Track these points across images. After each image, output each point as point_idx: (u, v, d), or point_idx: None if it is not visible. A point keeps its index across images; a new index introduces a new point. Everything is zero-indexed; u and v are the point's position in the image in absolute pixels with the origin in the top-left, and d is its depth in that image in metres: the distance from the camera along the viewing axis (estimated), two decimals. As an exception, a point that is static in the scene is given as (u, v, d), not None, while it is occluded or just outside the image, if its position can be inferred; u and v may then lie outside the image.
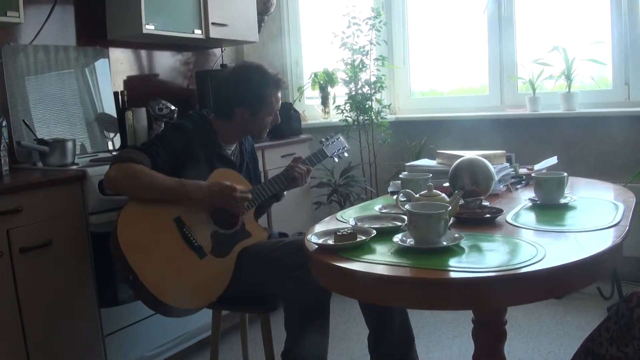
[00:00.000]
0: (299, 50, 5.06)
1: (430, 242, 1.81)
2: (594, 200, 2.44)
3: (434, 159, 3.04)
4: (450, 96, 5.08)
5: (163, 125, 3.85)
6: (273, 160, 4.01)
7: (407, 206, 1.90)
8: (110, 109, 3.81)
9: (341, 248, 1.87)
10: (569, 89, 4.26)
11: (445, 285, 1.61)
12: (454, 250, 1.80)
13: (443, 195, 2.12)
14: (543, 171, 2.91)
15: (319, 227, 2.22)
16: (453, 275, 1.63)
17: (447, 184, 2.52)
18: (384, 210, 2.39)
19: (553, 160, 3.04)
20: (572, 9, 4.35)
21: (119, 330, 2.99)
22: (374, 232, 1.97)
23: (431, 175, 2.58)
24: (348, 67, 4.60)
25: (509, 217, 2.19)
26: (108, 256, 2.50)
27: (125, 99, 3.91)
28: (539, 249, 1.74)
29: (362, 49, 4.56)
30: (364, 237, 1.93)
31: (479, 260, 1.73)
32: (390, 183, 2.89)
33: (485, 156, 2.59)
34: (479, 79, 4.92)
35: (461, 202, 2.19)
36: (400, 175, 2.64)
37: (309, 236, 2.00)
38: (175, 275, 2.37)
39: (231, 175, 2.63)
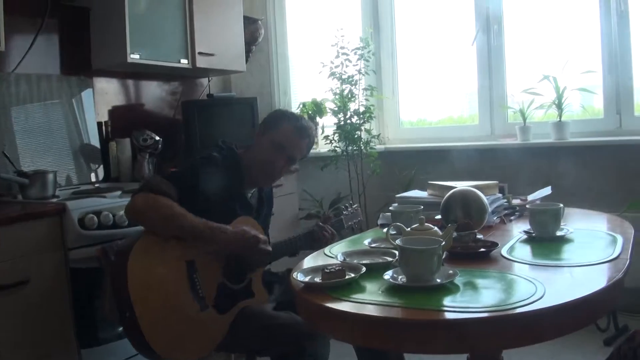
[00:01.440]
0: (287, 80, 5.02)
1: (423, 279, 1.72)
2: (591, 232, 2.36)
3: (425, 190, 2.96)
4: (440, 126, 5.03)
5: (147, 156, 3.78)
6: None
7: (398, 241, 1.81)
8: (94, 139, 3.75)
9: (329, 286, 1.78)
10: (560, 118, 4.22)
11: (441, 327, 1.52)
12: (449, 288, 1.70)
13: (435, 228, 2.03)
14: (537, 202, 2.84)
15: (307, 263, 2.13)
16: (448, 316, 1.53)
17: (439, 217, 2.44)
18: (373, 245, 2.30)
19: (547, 190, 2.97)
20: (562, 38, 4.32)
21: None
22: (364, 268, 1.88)
23: (422, 207, 2.49)
24: (337, 97, 4.55)
25: (504, 251, 2.11)
26: (88, 293, 2.41)
27: (109, 130, 3.87)
28: (538, 285, 1.65)
29: (350, 79, 4.52)
30: (352, 275, 1.84)
31: (475, 298, 1.63)
32: (380, 215, 2.81)
33: (477, 187, 2.51)
34: (468, 109, 4.87)
35: (454, 235, 2.11)
36: (390, 208, 2.55)
37: (294, 273, 1.90)
38: (174, 323, 2.22)
39: (252, 227, 2.50)
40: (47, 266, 2.71)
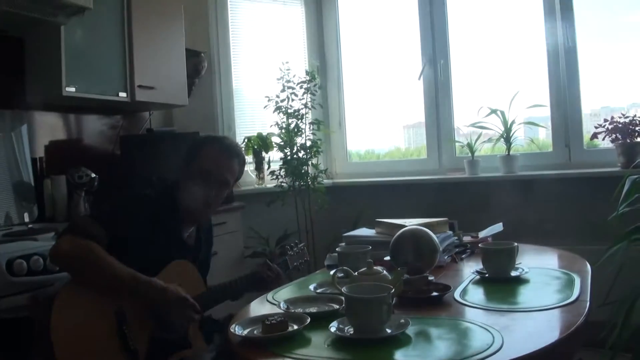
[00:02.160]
0: (232, 114, 4.89)
1: (371, 330, 1.59)
2: (547, 271, 2.27)
3: (372, 227, 2.85)
4: (388, 160, 4.97)
5: (83, 194, 3.60)
6: (203, 231, 3.76)
7: (344, 289, 1.68)
8: (28, 177, 3.56)
9: (270, 341, 1.63)
10: (509, 152, 4.22)
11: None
12: (400, 339, 1.57)
13: (384, 272, 1.91)
14: (489, 239, 2.77)
15: (249, 311, 2.00)
16: None
17: (388, 257, 2.32)
18: (319, 290, 2.17)
19: (498, 227, 2.89)
20: (510, 72, 4.33)
21: None
22: (308, 319, 1.73)
23: (370, 247, 2.38)
24: (283, 131, 4.45)
25: (456, 294, 2.00)
26: (17, 347, 2.20)
27: (44, 166, 3.67)
28: (495, 334, 1.53)
29: (297, 113, 4.43)
30: (295, 326, 1.70)
31: (428, 352, 1.51)
32: (328, 256, 2.68)
33: (427, 225, 2.41)
34: (415, 141, 4.84)
35: (404, 277, 2.00)
36: (337, 249, 2.43)
37: (232, 326, 1.75)
38: None
39: (187, 273, 2.36)
40: None
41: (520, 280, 2.15)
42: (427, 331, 1.65)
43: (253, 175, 4.79)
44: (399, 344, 1.55)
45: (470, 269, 2.36)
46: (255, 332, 1.72)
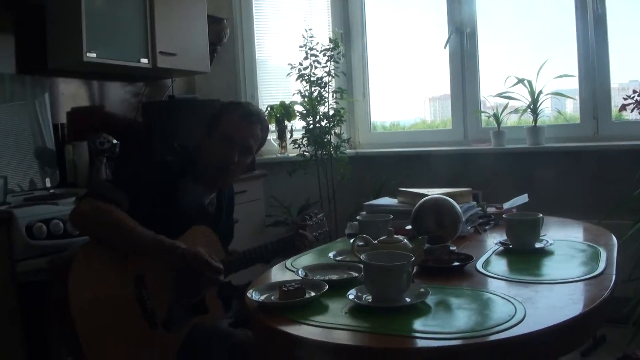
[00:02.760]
0: (254, 82, 4.85)
1: (390, 299, 1.55)
2: (571, 244, 2.21)
3: (395, 197, 2.80)
4: (413, 130, 4.90)
5: (105, 161, 3.59)
6: (224, 199, 3.75)
7: (363, 256, 1.63)
8: (49, 143, 3.56)
9: (286, 307, 1.60)
10: (535, 123, 4.13)
11: (412, 356, 1.34)
12: (419, 308, 1.54)
13: (405, 241, 1.86)
14: (513, 211, 2.70)
15: (266, 278, 1.97)
16: (420, 343, 1.35)
17: (409, 227, 2.28)
18: (339, 258, 2.13)
19: (523, 198, 2.83)
20: (538, 40, 4.22)
21: None
22: (326, 286, 1.70)
23: (392, 216, 2.33)
24: (305, 99, 4.40)
25: (479, 265, 1.95)
26: (39, 310, 2.21)
27: (66, 132, 3.67)
28: (517, 306, 1.49)
29: (319, 81, 4.37)
30: (313, 293, 1.66)
31: (448, 322, 1.46)
32: (348, 224, 2.65)
33: (450, 195, 2.35)
34: (441, 113, 4.75)
35: (425, 246, 1.95)
36: (357, 217, 2.39)
37: (250, 291, 1.72)
38: (121, 345, 2.03)
39: (206, 238, 2.33)
40: None
41: (544, 252, 2.09)
42: (447, 301, 1.61)
43: (275, 144, 4.77)
44: (418, 313, 1.51)
45: (494, 240, 2.31)
46: (272, 298, 1.69)
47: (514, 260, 2.06)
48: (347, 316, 1.53)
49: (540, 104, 4.11)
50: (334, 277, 1.88)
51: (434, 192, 2.43)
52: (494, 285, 1.75)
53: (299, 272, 1.93)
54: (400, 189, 2.74)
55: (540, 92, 4.10)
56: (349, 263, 2.00)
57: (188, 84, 4.70)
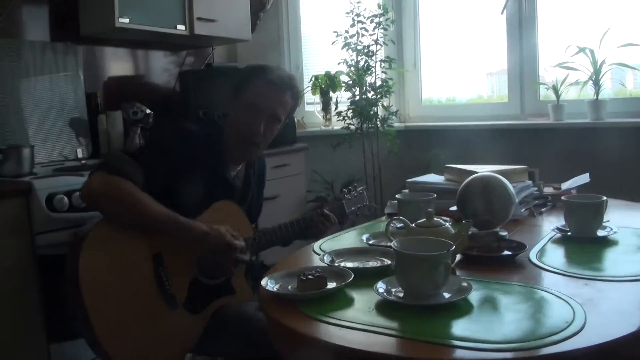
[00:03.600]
0: (299, 51, 4.67)
1: (425, 294, 1.33)
2: (639, 232, 1.94)
3: (442, 174, 2.57)
4: (466, 104, 4.63)
5: (139, 131, 3.44)
6: (263, 173, 3.59)
7: (393, 242, 1.40)
8: (82, 112, 3.46)
9: (303, 299, 1.39)
10: (597, 96, 3.84)
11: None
12: (459, 306, 1.31)
13: (447, 225, 1.63)
14: (573, 192, 2.45)
15: (289, 262, 1.77)
16: (458, 354, 1.12)
17: (454, 208, 2.05)
18: (372, 242, 1.91)
19: (584, 178, 2.57)
20: (601, 6, 3.89)
21: None
22: (351, 275, 1.49)
23: (435, 195, 2.10)
24: (351, 69, 4.17)
25: (532, 255, 1.70)
26: (58, 282, 2.07)
27: (99, 102, 3.55)
28: (576, 309, 1.25)
29: (366, 50, 4.13)
30: (334, 284, 1.45)
31: (493, 327, 1.22)
32: (388, 203, 2.43)
33: (503, 172, 2.10)
34: (498, 89, 4.46)
35: (471, 231, 1.72)
36: (396, 196, 2.16)
37: (264, 280, 1.52)
38: (136, 327, 1.87)
39: (232, 212, 2.15)
40: (11, 252, 2.44)
41: (607, 242, 1.84)
42: (493, 298, 1.38)
43: (319, 116, 4.57)
44: (458, 313, 1.29)
45: (550, 225, 2.06)
46: (289, 287, 1.49)
47: (572, 250, 1.81)
48: (372, 313, 1.32)
49: (602, 75, 3.82)
50: (363, 264, 1.66)
51: (484, 169, 2.18)
52: (550, 280, 1.51)
53: (324, 257, 1.72)
54: (447, 165, 2.50)
55: (603, 62, 3.79)
56: (382, 248, 1.77)
57: (229, 53, 4.55)
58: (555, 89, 3.95)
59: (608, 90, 3.99)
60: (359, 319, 1.28)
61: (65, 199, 2.53)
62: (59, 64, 3.34)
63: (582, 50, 3.84)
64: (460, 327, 1.23)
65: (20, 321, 2.45)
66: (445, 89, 4.73)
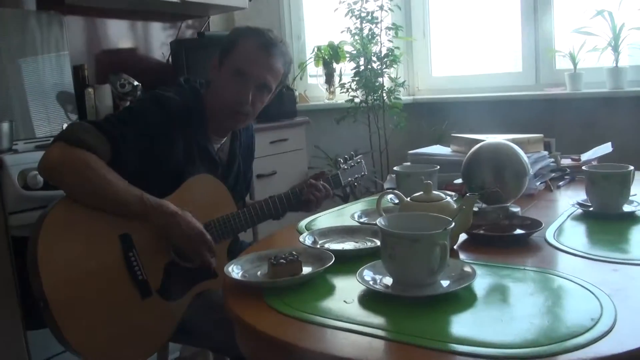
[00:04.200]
0: (300, 20, 4.42)
1: (417, 283, 1.09)
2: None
3: (449, 145, 2.35)
4: (479, 74, 4.37)
5: (128, 105, 3.25)
6: (260, 147, 3.35)
7: (379, 220, 1.17)
8: (68, 85, 3.25)
9: (271, 288, 1.16)
10: (617, 63, 3.60)
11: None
12: (460, 298, 1.07)
13: (448, 199, 1.39)
14: (593, 162, 2.20)
15: (265, 244, 1.56)
16: None
17: (459, 180, 1.82)
18: (364, 219, 1.68)
19: (607, 147, 2.35)
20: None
21: (51, 358, 2.44)
22: (332, 258, 1.26)
23: (438, 167, 1.86)
24: (356, 37, 3.92)
25: (549, 234, 1.47)
26: None
27: (86, 74, 3.34)
28: (604, 303, 1.01)
29: (370, 16, 3.87)
30: (310, 269, 1.22)
31: (502, 326, 0.98)
32: (388, 177, 2.20)
33: (515, 141, 1.86)
34: (511, 60, 4.20)
35: (476, 208, 1.49)
36: (394, 168, 1.92)
37: (229, 265, 1.29)
38: (105, 319, 1.69)
39: (211, 187, 1.96)
40: None
41: (635, 219, 1.61)
42: (502, 287, 1.14)
43: (323, 89, 4.33)
44: (458, 307, 1.05)
45: (569, 200, 1.83)
46: (259, 273, 1.27)
47: (595, 228, 1.58)
48: (353, 306, 1.08)
49: (622, 40, 3.58)
50: (350, 246, 1.43)
51: (494, 138, 1.94)
52: (570, 264, 1.27)
53: (305, 238, 1.49)
54: (454, 134, 2.27)
55: (623, 25, 3.55)
56: (373, 227, 1.53)
57: (227, 23, 4.33)
58: (572, 57, 3.72)
59: (630, 57, 3.73)
60: (334, 314, 1.05)
61: (39, 175, 2.34)
62: (43, 34, 3.15)
63: (599, 13, 3.60)
64: (461, 326, 1.00)
65: None
66: (457, 63, 4.47)
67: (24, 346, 2.35)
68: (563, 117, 3.73)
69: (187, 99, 1.95)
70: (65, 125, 2.59)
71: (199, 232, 1.77)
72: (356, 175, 2.26)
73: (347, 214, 1.85)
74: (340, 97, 4.19)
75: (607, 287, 1.09)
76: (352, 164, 2.25)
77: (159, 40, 3.83)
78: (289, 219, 2.16)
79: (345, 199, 3.75)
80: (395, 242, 1.08)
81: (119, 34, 3.63)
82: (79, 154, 1.70)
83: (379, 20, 3.91)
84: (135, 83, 3.30)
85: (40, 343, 2.39)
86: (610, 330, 0.92)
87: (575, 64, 3.72)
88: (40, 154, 2.33)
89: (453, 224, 1.11)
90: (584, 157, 2.35)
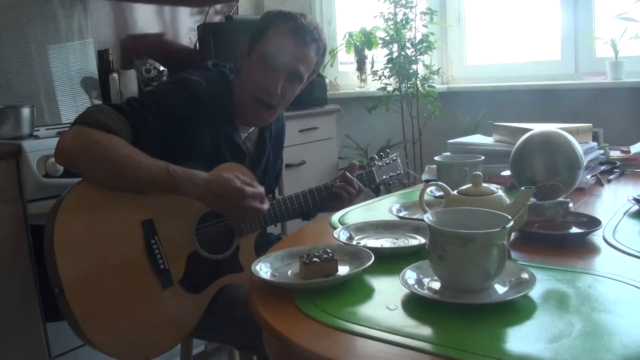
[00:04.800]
0: (331, 5, 4.35)
1: (470, 288, 0.97)
2: None
3: (490, 136, 2.24)
4: (516, 63, 4.24)
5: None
6: (289, 136, 3.28)
7: (427, 216, 1.05)
8: (92, 70, 3.25)
9: (303, 290, 1.05)
10: (660, 52, 3.47)
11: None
12: (518, 307, 0.95)
13: (500, 192, 1.26)
14: (643, 155, 2.09)
15: (299, 237, 1.47)
16: None
17: (507, 172, 1.70)
18: (403, 213, 1.56)
19: (657, 140, 2.21)
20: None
21: (71, 351, 2.42)
22: (371, 258, 1.15)
23: (483, 157, 1.74)
24: (389, 23, 3.81)
25: (607, 233, 1.34)
26: None
27: (111, 59, 3.32)
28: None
29: (405, 1, 3.76)
30: (349, 269, 1.11)
31: (567, 341, 0.84)
32: (426, 167, 2.09)
33: (565, 130, 1.73)
34: (549, 48, 4.06)
35: (531, 201, 1.36)
36: (435, 158, 1.81)
37: (257, 263, 1.18)
38: (122, 308, 1.62)
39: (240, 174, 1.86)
40: (0, 222, 2.27)
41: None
42: (561, 295, 1.01)
43: (354, 77, 4.25)
44: (516, 318, 0.93)
45: (622, 195, 1.72)
46: (289, 273, 1.17)
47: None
48: (396, 313, 0.96)
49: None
50: (389, 243, 1.32)
51: (543, 127, 1.82)
52: (632, 267, 1.14)
53: (340, 233, 1.38)
54: (497, 123, 2.15)
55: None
56: (415, 222, 1.43)
57: (256, 7, 4.31)
58: (613, 44, 3.58)
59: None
60: (377, 323, 0.94)
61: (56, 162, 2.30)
62: (67, 19, 3.13)
63: (643, -3, 3.46)
64: (521, 341, 0.88)
65: (13, 297, 2.29)
66: (492, 50, 4.34)
67: (42, 338, 2.34)
68: (604, 107, 3.59)
69: (214, 84, 1.86)
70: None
71: (234, 188, 1.66)
72: (391, 174, 2.18)
73: (382, 207, 1.74)
74: (372, 85, 4.10)
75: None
76: (388, 161, 2.17)
77: (186, 25, 3.81)
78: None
79: (377, 193, 3.66)
80: (446, 242, 0.96)
81: (145, 18, 3.60)
82: (96, 135, 1.63)
83: (414, 4, 3.80)
84: (161, 68, 3.29)
85: (61, 335, 2.36)
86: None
87: (616, 52, 3.58)
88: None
89: (512, 222, 0.99)
90: (634, 149, 2.23)
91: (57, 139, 2.24)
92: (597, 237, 1.33)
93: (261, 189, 1.72)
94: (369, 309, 1.01)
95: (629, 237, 1.34)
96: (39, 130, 2.67)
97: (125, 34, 3.48)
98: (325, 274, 1.11)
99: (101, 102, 3.18)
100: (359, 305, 1.02)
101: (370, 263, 1.13)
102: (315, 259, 1.11)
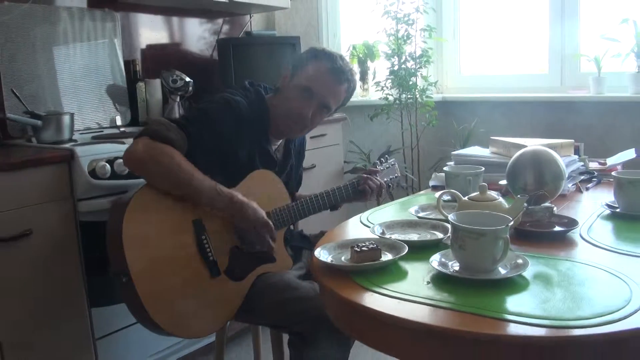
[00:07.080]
0: (337, 20, 4.58)
1: (482, 269, 1.33)
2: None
3: (486, 146, 2.54)
4: (505, 75, 4.54)
5: (178, 99, 3.44)
6: (301, 142, 3.56)
7: (451, 216, 1.40)
8: (120, 80, 3.44)
9: (358, 270, 1.39)
10: (639, 69, 3.71)
11: (507, 346, 1.11)
12: (515, 283, 1.31)
13: (500, 199, 1.62)
14: (618, 167, 2.41)
15: (337, 233, 1.77)
16: (517, 329, 1.11)
17: (502, 182, 2.03)
18: (421, 214, 1.90)
19: (630, 153, 2.52)
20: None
21: (113, 334, 2.64)
22: (405, 247, 1.49)
23: (483, 168, 2.08)
24: (391, 38, 4.09)
25: (583, 231, 1.69)
26: (99, 248, 2.10)
27: (138, 69, 3.53)
28: (634, 289, 1.24)
29: (407, 18, 4.04)
30: (390, 255, 1.46)
31: (552, 304, 1.20)
32: (433, 175, 2.41)
33: (550, 146, 2.07)
34: (537, 63, 4.36)
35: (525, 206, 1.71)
36: (444, 168, 2.14)
37: (317, 250, 1.52)
38: (179, 292, 1.90)
39: (269, 181, 2.19)
40: (53, 218, 2.43)
41: (658, 219, 1.82)
42: (547, 275, 1.36)
43: (357, 87, 4.47)
44: (514, 289, 1.29)
45: (598, 201, 2.04)
46: (342, 258, 1.49)
47: (622, 227, 1.79)
48: (429, 286, 1.32)
49: (644, 48, 3.70)
50: (415, 237, 1.66)
51: (530, 143, 2.16)
52: (602, 258, 1.49)
53: (375, 229, 1.71)
54: (493, 137, 2.47)
55: (645, 34, 3.68)
56: (432, 221, 1.77)
57: (267, 21, 4.50)
58: (597, 61, 3.85)
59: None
60: (415, 292, 1.29)
61: (107, 166, 2.52)
62: (97, 31, 3.31)
63: (624, 20, 3.74)
64: (516, 303, 1.22)
65: (63, 286, 2.47)
66: (485, 62, 4.63)
67: (88, 321, 2.53)
68: (585, 120, 3.83)
69: (253, 103, 2.16)
70: (147, 123, 2.75)
71: (264, 221, 1.98)
72: (391, 177, 2.48)
73: (397, 210, 2.06)
74: (373, 94, 4.34)
75: (636, 276, 1.31)
76: (387, 165, 2.47)
77: (203, 37, 3.98)
78: (341, 214, 2.37)
79: (379, 196, 3.95)
80: (465, 235, 1.31)
81: (167, 30, 3.78)
82: (161, 148, 1.91)
83: (414, 21, 4.06)
84: (187, 79, 3.45)
85: (104, 319, 2.58)
86: (640, 310, 1.14)
87: (599, 68, 3.82)
88: (105, 146, 2.59)
89: (512, 221, 1.34)
90: (610, 161, 2.53)
91: (102, 146, 2.54)
92: (575, 234, 1.67)
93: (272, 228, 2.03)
94: (407, 284, 1.35)
95: (601, 234, 1.68)
96: (74, 135, 2.85)
97: (149, 45, 3.67)
98: (373, 260, 1.43)
99: (128, 108, 3.40)
100: (399, 281, 1.36)
101: (405, 252, 1.47)
102: (364, 248, 1.44)
